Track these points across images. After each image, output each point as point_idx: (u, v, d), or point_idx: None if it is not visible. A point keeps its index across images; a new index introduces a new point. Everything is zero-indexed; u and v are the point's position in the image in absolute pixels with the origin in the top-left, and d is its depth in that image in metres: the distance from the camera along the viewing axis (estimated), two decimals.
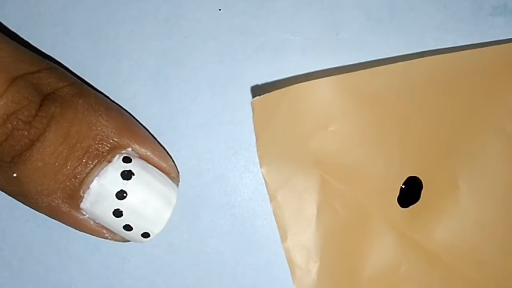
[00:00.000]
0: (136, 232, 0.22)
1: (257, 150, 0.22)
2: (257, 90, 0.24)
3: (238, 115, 0.24)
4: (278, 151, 0.22)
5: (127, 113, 0.23)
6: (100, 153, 0.21)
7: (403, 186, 0.23)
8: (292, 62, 0.24)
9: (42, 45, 0.23)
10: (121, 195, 0.21)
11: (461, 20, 0.24)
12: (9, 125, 0.19)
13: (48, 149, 0.20)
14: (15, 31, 0.23)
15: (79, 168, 0.20)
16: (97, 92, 0.22)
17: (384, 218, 0.23)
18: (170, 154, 0.24)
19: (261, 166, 0.22)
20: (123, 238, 0.22)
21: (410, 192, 0.23)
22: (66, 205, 0.21)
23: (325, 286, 0.23)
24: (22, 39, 0.23)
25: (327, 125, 0.22)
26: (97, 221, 0.22)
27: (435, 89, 0.22)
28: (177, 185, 0.23)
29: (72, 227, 0.22)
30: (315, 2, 0.24)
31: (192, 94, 0.24)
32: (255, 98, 0.21)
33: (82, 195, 0.21)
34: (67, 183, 0.20)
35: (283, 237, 0.23)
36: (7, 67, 0.19)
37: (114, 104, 0.23)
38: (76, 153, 0.20)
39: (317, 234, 0.23)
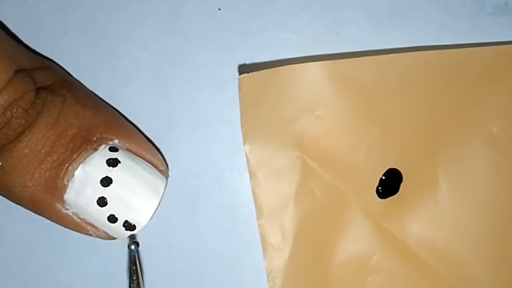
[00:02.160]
0: (120, 224, 0.21)
1: (242, 127, 0.22)
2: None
3: (238, 115, 0.24)
4: (263, 130, 0.22)
5: (115, 110, 0.23)
6: (86, 141, 0.21)
7: (383, 177, 0.23)
8: (292, 62, 0.24)
9: (41, 45, 0.23)
10: (106, 182, 0.21)
11: (462, 19, 0.24)
12: (9, 113, 0.19)
13: (36, 136, 0.20)
14: (14, 31, 0.23)
15: (64, 155, 0.20)
16: (86, 89, 0.22)
17: (361, 207, 0.23)
18: (170, 154, 0.24)
19: (244, 144, 0.22)
20: (107, 234, 0.22)
21: (390, 184, 0.23)
22: (48, 197, 0.21)
23: (295, 267, 0.23)
24: (21, 39, 0.23)
25: (313, 109, 0.22)
26: (81, 216, 0.21)
27: (424, 84, 0.22)
28: (166, 178, 0.22)
29: (56, 222, 0.21)
30: (315, 2, 0.24)
31: (191, 94, 0.24)
32: (242, 75, 0.22)
33: (66, 183, 0.20)
34: (52, 172, 0.20)
35: (259, 214, 0.23)
36: (12, 60, 0.19)
37: (102, 100, 0.23)
38: (62, 140, 0.20)
39: (293, 216, 0.23)
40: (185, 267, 0.24)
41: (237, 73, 0.24)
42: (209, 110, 0.24)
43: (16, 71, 0.19)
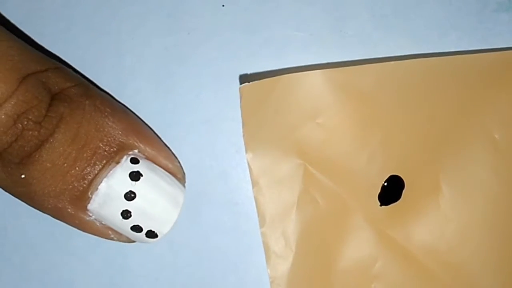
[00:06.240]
0: (143, 233, 0.22)
1: (243, 135, 0.22)
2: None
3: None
4: (264, 139, 0.22)
5: (133, 114, 0.23)
6: (108, 154, 0.21)
7: (385, 184, 0.23)
8: (295, 59, 0.24)
9: (44, 41, 0.23)
10: (129, 196, 0.21)
11: (466, 16, 0.24)
12: (20, 125, 0.19)
13: (57, 150, 0.20)
14: (17, 27, 0.23)
15: (87, 169, 0.20)
16: (102, 93, 0.22)
17: (364, 214, 0.23)
18: (173, 150, 0.24)
19: (246, 152, 0.22)
20: (128, 238, 0.22)
21: (391, 191, 0.23)
22: (73, 207, 0.21)
23: (299, 274, 0.23)
24: (25, 36, 0.23)
25: (314, 117, 0.22)
26: (103, 222, 0.21)
27: (425, 90, 0.22)
28: (184, 185, 0.23)
29: (77, 228, 0.22)
30: None
31: (195, 90, 0.24)
32: (243, 85, 0.22)
33: (90, 196, 0.21)
34: (75, 184, 0.20)
35: (262, 222, 0.23)
36: (17, 66, 0.19)
37: (120, 104, 0.23)
38: (85, 154, 0.20)
39: (296, 223, 0.23)
40: (188, 263, 0.24)
41: (241, 70, 0.24)
42: (213, 107, 0.24)
43: (25, 77, 0.19)
